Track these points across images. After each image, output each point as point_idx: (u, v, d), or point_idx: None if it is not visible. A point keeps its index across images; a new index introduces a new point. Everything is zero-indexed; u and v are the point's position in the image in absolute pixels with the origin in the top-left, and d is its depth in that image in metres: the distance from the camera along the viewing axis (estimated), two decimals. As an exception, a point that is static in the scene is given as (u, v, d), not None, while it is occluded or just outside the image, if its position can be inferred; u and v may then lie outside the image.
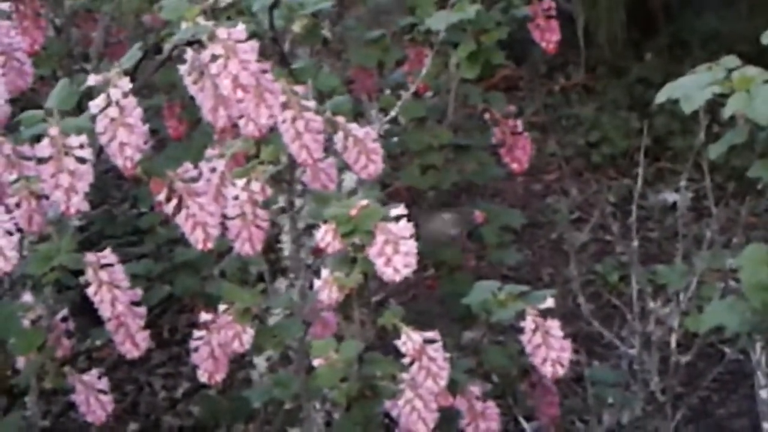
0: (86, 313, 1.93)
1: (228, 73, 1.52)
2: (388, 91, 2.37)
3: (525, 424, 2.13)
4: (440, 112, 2.31)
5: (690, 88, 1.60)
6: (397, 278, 1.61)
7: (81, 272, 1.68)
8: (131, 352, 1.68)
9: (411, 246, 1.61)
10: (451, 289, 2.37)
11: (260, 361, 2.13)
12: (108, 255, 1.64)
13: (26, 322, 1.73)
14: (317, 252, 2.04)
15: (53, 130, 1.53)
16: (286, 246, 2.04)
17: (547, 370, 1.73)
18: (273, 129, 1.67)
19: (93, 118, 1.55)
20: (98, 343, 2.30)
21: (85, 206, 1.53)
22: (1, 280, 2.28)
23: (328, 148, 1.74)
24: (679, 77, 1.65)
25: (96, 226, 2.61)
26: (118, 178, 2.72)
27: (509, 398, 2.17)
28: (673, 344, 2.19)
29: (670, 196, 3.63)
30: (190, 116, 2.37)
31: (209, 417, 2.38)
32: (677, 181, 3.64)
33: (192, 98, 2.27)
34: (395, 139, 2.33)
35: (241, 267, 2.22)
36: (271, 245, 2.12)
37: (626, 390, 2.48)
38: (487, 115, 2.30)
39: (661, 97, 1.61)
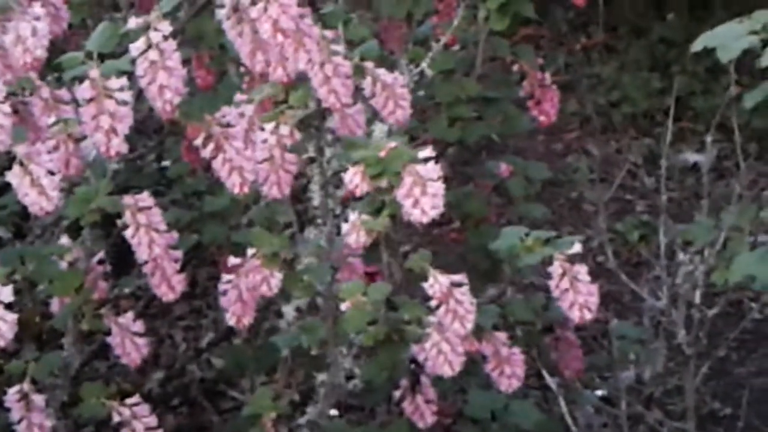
0: (113, 263, 1.94)
1: (268, 17, 1.53)
2: (411, 45, 2.37)
3: (548, 378, 2.14)
4: (468, 64, 2.31)
5: (726, 38, 1.60)
6: (425, 220, 1.62)
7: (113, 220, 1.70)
8: (167, 294, 1.69)
9: (438, 188, 1.62)
10: (477, 242, 2.37)
11: (288, 310, 2.14)
12: (146, 198, 1.65)
13: (64, 265, 1.74)
14: (345, 200, 2.05)
15: (94, 72, 1.55)
16: (315, 196, 2.05)
17: (575, 314, 1.74)
18: (300, 76, 1.68)
19: (133, 61, 1.56)
20: (126, 291, 2.32)
21: (125, 148, 1.55)
22: (31, 227, 2.30)
23: (356, 96, 1.75)
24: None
25: (121, 177, 2.62)
26: (142, 132, 2.73)
27: (533, 352, 2.18)
28: (698, 299, 2.20)
29: (691, 157, 3.64)
30: (218, 66, 2.37)
31: (234, 366, 2.39)
32: (698, 141, 3.65)
33: (221, 47, 2.29)
34: (422, 93, 2.33)
35: (268, 216, 2.23)
36: (299, 195, 2.13)
37: (649, 346, 2.49)
38: (515, 68, 2.30)
39: (697, 46, 1.61)
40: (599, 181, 3.45)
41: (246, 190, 1.68)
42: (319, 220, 1.89)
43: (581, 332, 2.26)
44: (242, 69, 2.24)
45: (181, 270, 1.75)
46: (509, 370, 1.84)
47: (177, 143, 2.44)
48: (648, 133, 3.77)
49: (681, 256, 2.05)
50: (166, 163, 2.65)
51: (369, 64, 1.74)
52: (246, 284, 1.74)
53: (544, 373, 2.13)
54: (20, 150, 1.52)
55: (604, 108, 3.84)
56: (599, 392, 2.64)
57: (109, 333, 1.76)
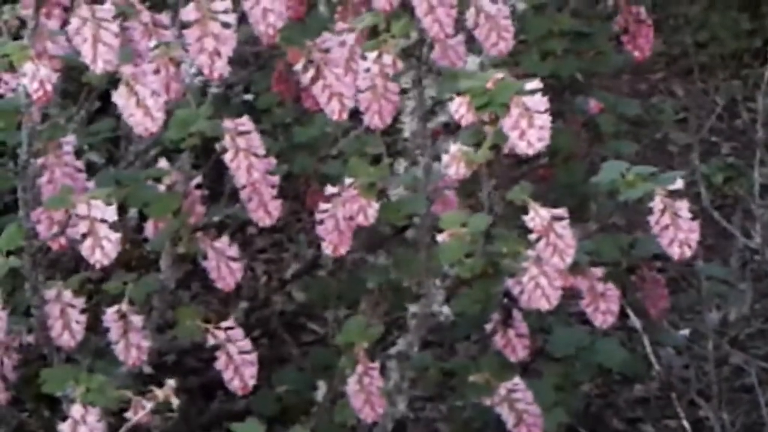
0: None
1: (370, -60, 1.52)
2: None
3: (633, 318, 2.13)
4: (561, -1, 2.29)
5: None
6: (531, 152, 1.62)
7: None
8: (264, 219, 1.70)
9: (545, 120, 1.61)
10: (565, 179, 2.36)
11: (374, 242, 2.14)
12: (245, 122, 1.65)
13: (162, 188, 1.76)
14: (435, 134, 2.04)
15: (199, -6, 1.55)
16: (406, 127, 2.04)
17: (675, 251, 1.72)
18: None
19: (237, -17, 1.56)
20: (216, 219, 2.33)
21: (227, 71, 1.55)
22: (123, 154, 2.31)
23: (457, 26, 1.74)
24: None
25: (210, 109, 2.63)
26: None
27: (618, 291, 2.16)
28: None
29: (779, 99, 3.58)
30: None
31: (319, 298, 2.40)
32: (787, 83, 3.59)
33: (313, -25, 2.27)
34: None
35: (358, 148, 2.22)
36: (388, 127, 2.12)
37: (736, 287, 2.47)
38: (609, 2, 2.27)
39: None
40: (683, 122, 3.40)
41: (345, 116, 1.68)
42: (414, 152, 1.88)
43: (665, 273, 2.24)
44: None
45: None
46: (604, 305, 1.84)
47: (265, 75, 2.44)
48: (735, 75, 3.71)
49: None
50: (248, 96, 2.65)
51: (473, -5, 1.73)
52: (343, 213, 1.74)
53: (630, 312, 2.12)
54: (126, 71, 1.53)
55: (691, 48, 3.78)
56: (682, 333, 2.62)
57: (195, 260, 1.77)
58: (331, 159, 2.34)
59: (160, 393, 1.43)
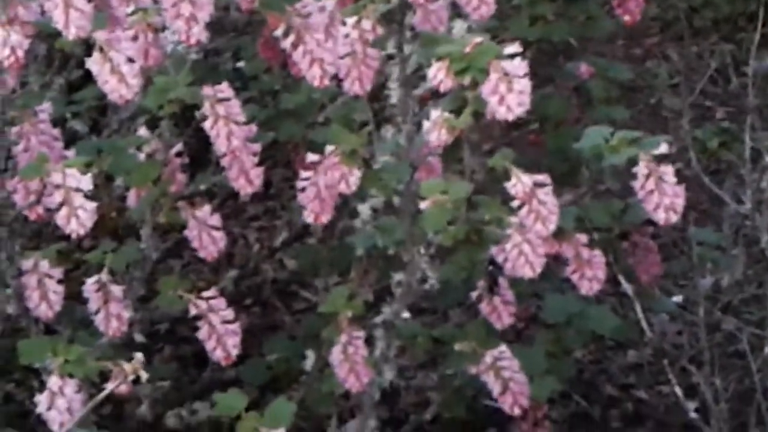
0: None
1: None
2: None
3: (625, 284, 2.11)
4: (552, -39, 2.26)
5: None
6: (510, 117, 1.59)
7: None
8: (245, 188, 1.68)
9: (525, 84, 1.58)
10: (556, 145, 2.34)
11: (364, 209, 2.13)
12: (225, 89, 1.63)
13: (142, 157, 1.74)
14: (424, 100, 2.02)
15: (174, -41, 1.52)
16: (393, 94, 2.02)
17: (660, 216, 1.71)
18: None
19: (212, -52, 1.54)
20: (202, 187, 2.32)
21: (205, 37, 1.53)
22: (107, 122, 2.30)
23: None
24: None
25: (197, 75, 2.61)
26: (217, 30, 2.71)
27: (610, 258, 2.15)
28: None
29: (773, 64, 3.56)
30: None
31: (308, 266, 2.39)
32: (782, 47, 3.57)
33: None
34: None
35: (345, 114, 2.20)
36: (376, 94, 2.10)
37: (728, 253, 2.45)
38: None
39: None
40: (678, 87, 3.38)
41: (326, 82, 1.66)
42: (398, 119, 1.86)
43: (657, 239, 2.23)
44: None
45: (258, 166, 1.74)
46: (590, 272, 1.82)
47: (253, 41, 2.42)
48: (730, 39, 3.69)
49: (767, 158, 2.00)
50: (240, 64, 2.64)
51: (453, -42, 1.71)
52: (325, 181, 1.72)
53: (621, 278, 2.10)
54: (100, 36, 1.50)
55: (686, 12, 3.75)
56: (675, 299, 2.61)
57: (183, 228, 1.76)
58: (318, 126, 2.32)
59: (128, 366, 1.41)
